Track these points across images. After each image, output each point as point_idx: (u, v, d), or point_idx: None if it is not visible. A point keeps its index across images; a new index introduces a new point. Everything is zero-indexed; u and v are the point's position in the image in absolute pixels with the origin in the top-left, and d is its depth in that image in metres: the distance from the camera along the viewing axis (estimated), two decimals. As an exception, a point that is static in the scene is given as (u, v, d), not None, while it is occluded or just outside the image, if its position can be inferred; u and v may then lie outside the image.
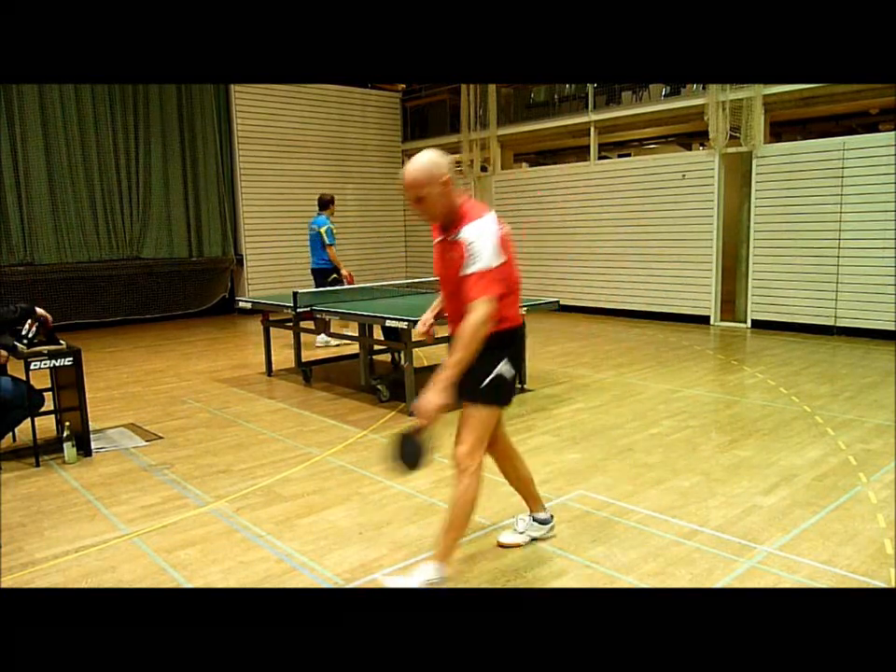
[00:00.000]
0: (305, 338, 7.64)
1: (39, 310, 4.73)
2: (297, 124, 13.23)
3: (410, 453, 2.80)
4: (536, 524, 3.39)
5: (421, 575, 2.88)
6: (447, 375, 2.68)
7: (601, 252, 11.49)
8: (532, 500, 3.39)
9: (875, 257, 8.46)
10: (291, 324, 7.15)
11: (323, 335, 8.14)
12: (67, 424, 4.84)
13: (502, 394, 2.98)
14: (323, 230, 8.65)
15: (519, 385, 6.46)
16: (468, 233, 2.70)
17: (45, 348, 4.72)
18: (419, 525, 3.63)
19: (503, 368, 2.91)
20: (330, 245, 8.63)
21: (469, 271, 2.68)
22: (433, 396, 2.69)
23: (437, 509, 3.82)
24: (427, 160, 2.74)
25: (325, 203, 8.95)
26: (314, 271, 8.91)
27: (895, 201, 8.22)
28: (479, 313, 2.66)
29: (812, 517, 3.60)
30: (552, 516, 3.43)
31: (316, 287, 8.63)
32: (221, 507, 3.95)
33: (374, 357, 7.59)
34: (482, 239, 2.69)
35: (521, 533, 3.38)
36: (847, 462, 4.40)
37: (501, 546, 3.36)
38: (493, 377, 2.89)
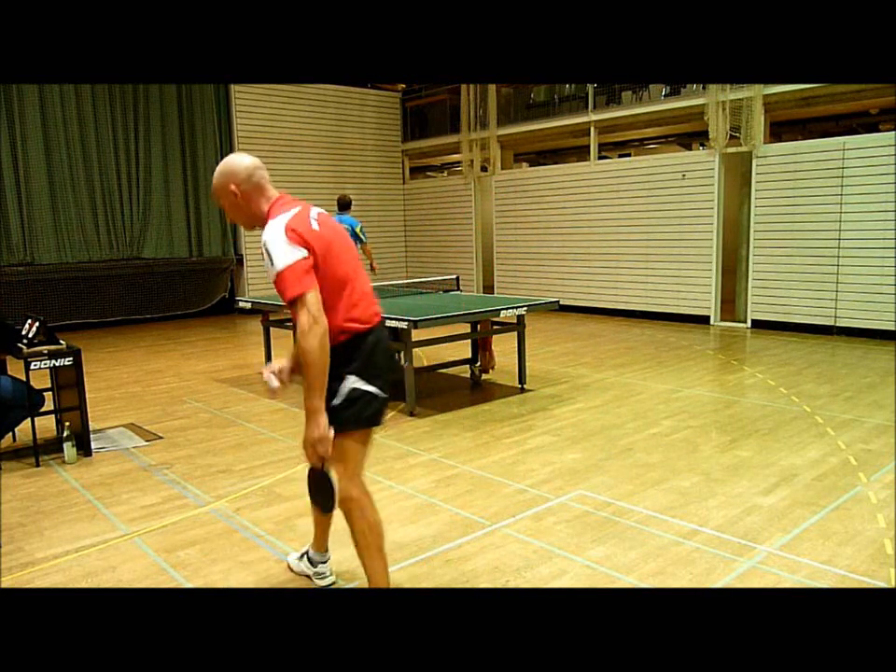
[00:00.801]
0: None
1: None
2: (297, 124, 13.24)
3: (323, 490, 2.58)
4: (307, 560, 3.13)
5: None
6: (309, 404, 2.43)
7: (601, 252, 11.49)
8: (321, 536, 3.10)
9: (875, 257, 8.46)
10: (291, 324, 7.15)
11: None
12: (67, 424, 4.84)
13: (358, 415, 2.59)
14: (359, 228, 8.97)
15: (519, 386, 6.47)
16: (263, 237, 2.48)
17: (45, 348, 4.72)
18: (419, 525, 3.63)
19: (352, 383, 2.57)
20: (365, 242, 8.95)
21: (272, 274, 2.44)
22: (309, 431, 2.44)
23: (437, 508, 3.82)
24: (221, 167, 2.56)
25: (349, 204, 9.25)
26: None
27: (895, 201, 8.22)
28: (301, 317, 2.37)
29: (812, 517, 3.60)
30: (326, 562, 3.12)
31: None
32: (221, 507, 3.96)
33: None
34: (271, 238, 2.42)
35: (299, 560, 3.17)
36: (847, 462, 4.40)
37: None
38: (345, 396, 2.57)
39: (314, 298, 2.39)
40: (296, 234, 2.42)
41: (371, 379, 2.61)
